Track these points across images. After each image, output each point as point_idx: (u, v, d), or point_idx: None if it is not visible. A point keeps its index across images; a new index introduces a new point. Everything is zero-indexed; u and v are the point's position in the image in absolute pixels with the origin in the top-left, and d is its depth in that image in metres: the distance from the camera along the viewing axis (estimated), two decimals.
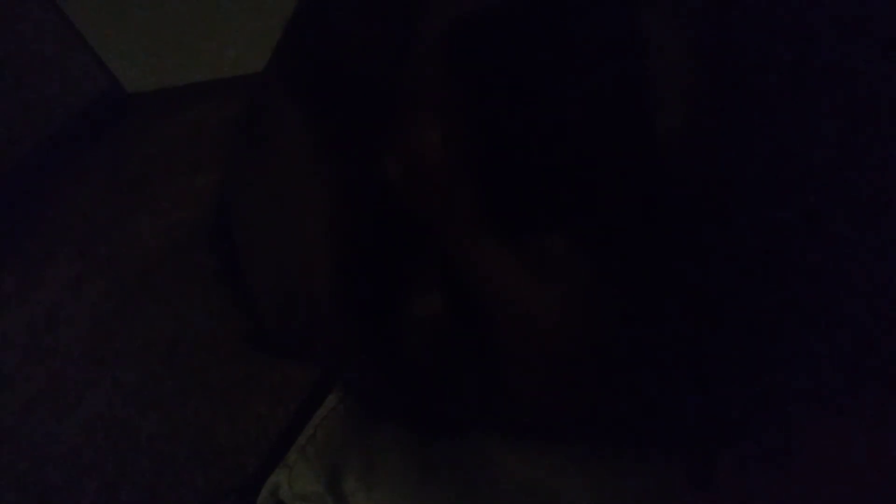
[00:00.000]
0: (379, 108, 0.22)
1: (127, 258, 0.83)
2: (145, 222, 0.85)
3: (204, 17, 0.95)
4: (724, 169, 0.19)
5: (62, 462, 0.66)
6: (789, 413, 0.26)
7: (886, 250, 0.23)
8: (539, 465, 0.32)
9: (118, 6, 1.02)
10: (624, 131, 0.19)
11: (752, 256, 0.21)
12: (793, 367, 0.25)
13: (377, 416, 0.36)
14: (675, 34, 0.19)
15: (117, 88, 1.15)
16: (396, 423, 0.34)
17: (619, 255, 0.20)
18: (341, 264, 0.23)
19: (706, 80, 0.19)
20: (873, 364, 0.25)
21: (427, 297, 0.22)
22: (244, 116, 0.28)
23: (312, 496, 0.36)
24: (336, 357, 0.28)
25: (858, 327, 0.24)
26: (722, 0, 0.19)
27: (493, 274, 0.21)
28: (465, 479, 0.33)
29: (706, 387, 0.24)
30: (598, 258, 0.20)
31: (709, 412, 0.26)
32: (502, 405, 0.25)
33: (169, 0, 0.98)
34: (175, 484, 0.60)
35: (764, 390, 0.25)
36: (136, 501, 0.61)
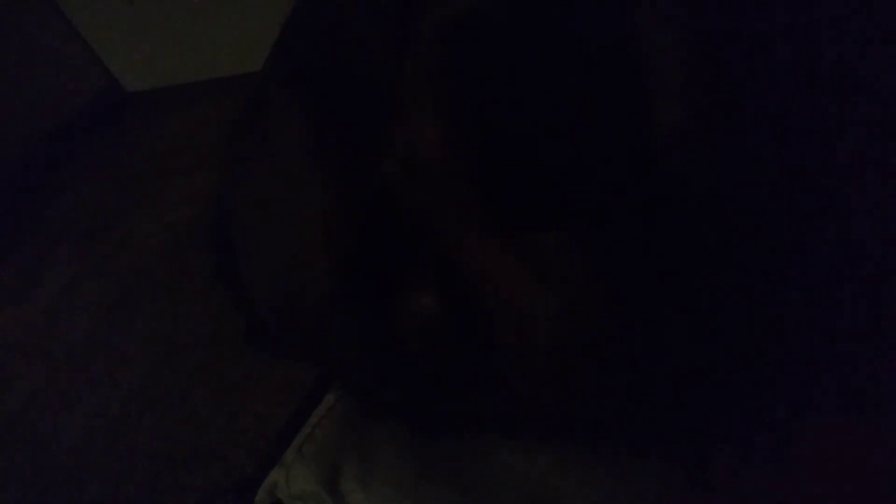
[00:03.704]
0: (377, 105, 0.22)
1: (126, 257, 0.83)
2: (144, 221, 0.85)
3: (202, 17, 0.95)
4: (722, 167, 0.19)
5: (61, 461, 0.66)
6: (789, 413, 0.26)
7: (886, 250, 0.22)
8: (538, 465, 0.32)
9: (118, 6, 1.02)
10: (621, 129, 0.19)
11: (751, 255, 0.21)
12: (792, 367, 0.25)
13: (375, 415, 0.35)
14: (673, 32, 0.19)
15: (116, 87, 1.15)
16: (394, 421, 0.34)
17: (617, 253, 0.20)
18: (339, 263, 0.23)
19: (703, 78, 0.19)
20: (873, 364, 0.25)
21: (425, 295, 0.22)
22: (242, 115, 0.28)
23: (310, 495, 0.36)
24: (334, 355, 0.28)
25: (858, 326, 0.24)
26: None
27: (490, 272, 0.21)
28: (464, 478, 0.33)
29: (705, 386, 0.24)
30: (596, 256, 0.20)
31: (708, 412, 0.26)
32: (500, 403, 0.25)
33: (168, 0, 0.98)
34: (173, 482, 0.60)
35: (763, 390, 0.25)
36: (134, 500, 0.61)
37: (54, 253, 0.90)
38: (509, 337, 0.22)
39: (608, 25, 0.19)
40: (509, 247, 0.20)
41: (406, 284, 0.23)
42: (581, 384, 0.23)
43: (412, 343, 0.23)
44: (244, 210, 0.27)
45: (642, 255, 0.20)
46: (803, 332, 0.23)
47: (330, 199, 0.23)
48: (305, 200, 0.23)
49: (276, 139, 0.25)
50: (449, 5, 0.21)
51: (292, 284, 0.25)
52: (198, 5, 0.95)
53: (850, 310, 0.23)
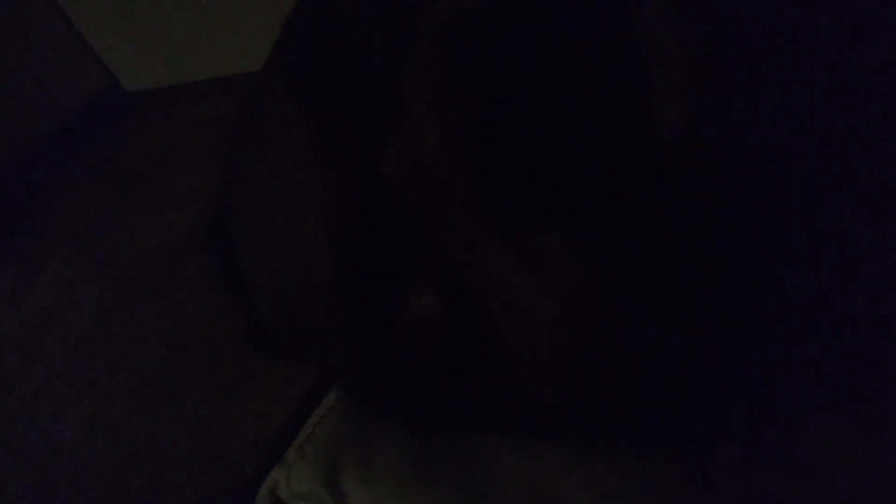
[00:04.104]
0: (378, 105, 0.22)
1: (126, 257, 0.83)
2: (144, 221, 0.85)
3: (202, 17, 0.95)
4: (721, 167, 0.19)
5: (62, 461, 0.66)
6: (789, 413, 0.26)
7: (885, 250, 0.22)
8: (538, 464, 0.32)
9: (117, 6, 1.02)
10: (622, 129, 0.19)
11: (750, 255, 0.21)
12: (792, 367, 0.25)
13: (376, 415, 0.36)
14: (674, 32, 0.19)
15: (116, 87, 1.15)
16: (395, 421, 0.34)
17: (616, 252, 0.20)
18: (340, 262, 0.23)
19: (704, 78, 0.19)
20: (872, 363, 0.25)
21: (425, 296, 0.22)
22: (243, 115, 0.28)
23: (311, 495, 0.36)
24: (334, 355, 0.28)
25: (858, 327, 0.24)
26: None
27: (491, 271, 0.21)
28: (464, 478, 0.33)
29: (706, 386, 0.24)
30: (596, 256, 0.20)
31: (709, 411, 0.26)
32: (500, 402, 0.25)
33: (168, 0, 0.98)
34: (174, 483, 0.60)
35: (764, 390, 0.25)
36: (135, 500, 0.61)
37: (53, 252, 0.89)
38: (510, 337, 0.22)
39: (609, 25, 0.19)
40: (510, 247, 0.20)
41: (407, 285, 0.23)
42: (582, 384, 0.23)
43: (413, 343, 0.23)
44: (244, 210, 0.27)
45: (643, 254, 0.20)
46: (804, 331, 0.23)
47: (330, 200, 0.23)
48: (306, 200, 0.23)
49: (276, 139, 0.25)
50: (449, 5, 0.21)
51: (292, 284, 0.25)
52: (198, 5, 0.95)
53: (850, 309, 0.23)
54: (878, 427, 0.25)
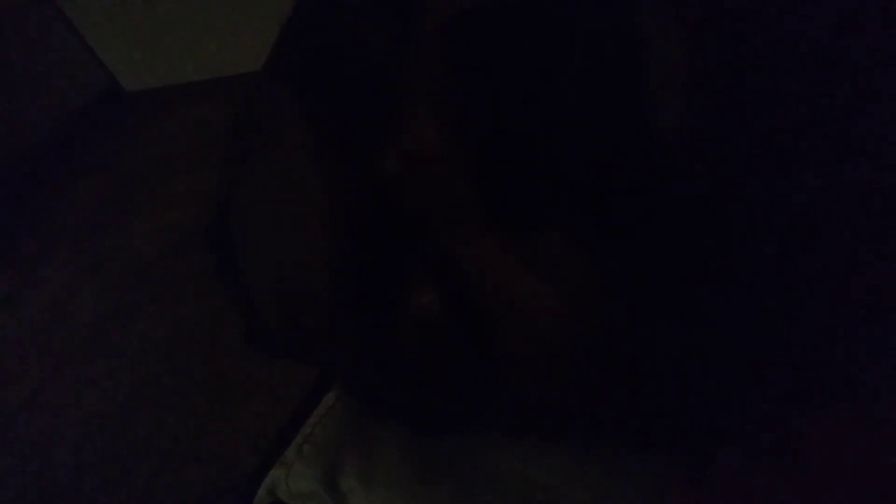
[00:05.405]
0: (377, 104, 0.22)
1: (125, 257, 0.83)
2: (143, 221, 0.85)
3: (202, 17, 0.95)
4: (721, 165, 0.19)
5: (61, 460, 0.66)
6: (789, 413, 0.26)
7: (885, 250, 0.22)
8: (538, 464, 0.32)
9: (117, 6, 1.02)
10: (621, 127, 0.19)
11: (751, 254, 0.21)
12: (792, 367, 0.25)
13: (375, 415, 0.36)
14: (672, 29, 0.19)
15: (115, 87, 1.15)
16: (394, 420, 0.34)
17: (616, 251, 0.20)
18: (340, 262, 0.23)
19: (703, 76, 0.19)
20: (872, 363, 0.25)
21: (425, 295, 0.22)
22: (242, 115, 0.28)
23: (310, 494, 0.36)
24: (334, 355, 0.28)
25: (857, 327, 0.24)
26: None
27: (490, 270, 0.21)
28: (463, 477, 0.33)
29: (706, 385, 0.24)
30: (596, 254, 0.20)
31: (709, 411, 0.26)
32: (500, 402, 0.25)
33: (167, 0, 0.98)
34: (173, 482, 0.60)
35: (764, 388, 0.25)
36: (134, 499, 0.61)
37: (53, 252, 0.90)
38: (509, 336, 0.22)
39: (608, 23, 0.19)
40: (510, 245, 0.20)
41: (406, 284, 0.23)
42: (581, 383, 0.23)
43: (412, 343, 0.23)
44: (244, 210, 0.27)
45: (643, 254, 0.20)
46: (804, 329, 0.23)
47: (330, 199, 0.23)
48: (306, 200, 0.23)
49: (276, 139, 0.25)
50: (449, 5, 0.21)
51: (292, 284, 0.25)
52: (198, 5, 0.95)
53: (850, 309, 0.23)
54: (878, 427, 0.25)
